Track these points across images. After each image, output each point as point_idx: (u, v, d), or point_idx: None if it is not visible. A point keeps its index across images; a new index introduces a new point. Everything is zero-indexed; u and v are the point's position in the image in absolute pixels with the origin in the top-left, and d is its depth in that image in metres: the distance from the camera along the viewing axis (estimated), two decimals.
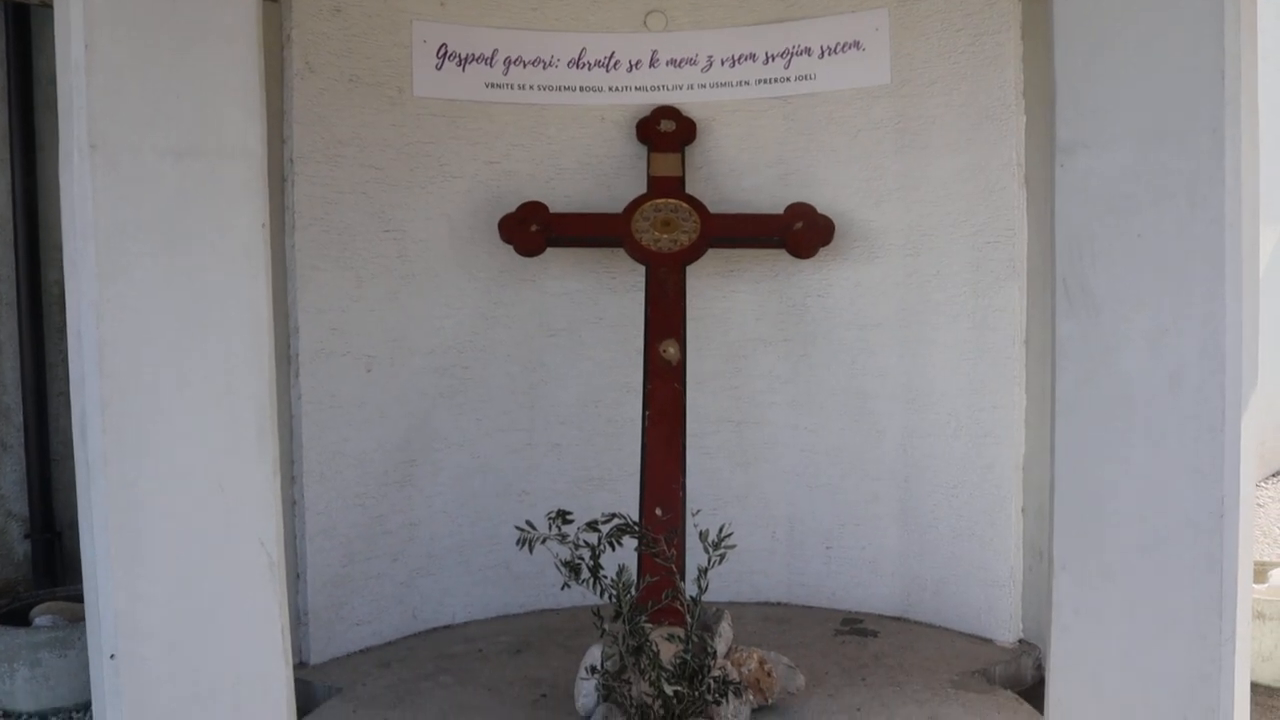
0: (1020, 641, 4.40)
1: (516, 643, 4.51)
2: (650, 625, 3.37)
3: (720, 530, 3.34)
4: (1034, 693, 3.99)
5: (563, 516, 3.35)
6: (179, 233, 2.44)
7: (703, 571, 3.34)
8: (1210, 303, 2.47)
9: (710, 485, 4.91)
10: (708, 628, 3.68)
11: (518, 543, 3.33)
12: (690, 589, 3.40)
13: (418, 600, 4.67)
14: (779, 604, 4.98)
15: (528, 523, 3.36)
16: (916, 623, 4.68)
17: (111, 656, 2.39)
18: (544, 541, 3.33)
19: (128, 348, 2.38)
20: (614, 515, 3.38)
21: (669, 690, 3.19)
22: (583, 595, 3.52)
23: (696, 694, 3.27)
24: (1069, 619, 2.76)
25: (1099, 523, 2.66)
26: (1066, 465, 2.72)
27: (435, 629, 4.70)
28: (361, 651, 4.45)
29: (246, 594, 2.53)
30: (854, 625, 4.66)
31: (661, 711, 3.24)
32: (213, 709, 2.50)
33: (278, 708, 2.60)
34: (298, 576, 4.28)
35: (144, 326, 2.40)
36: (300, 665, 4.21)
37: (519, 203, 4.62)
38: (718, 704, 3.39)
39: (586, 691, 3.66)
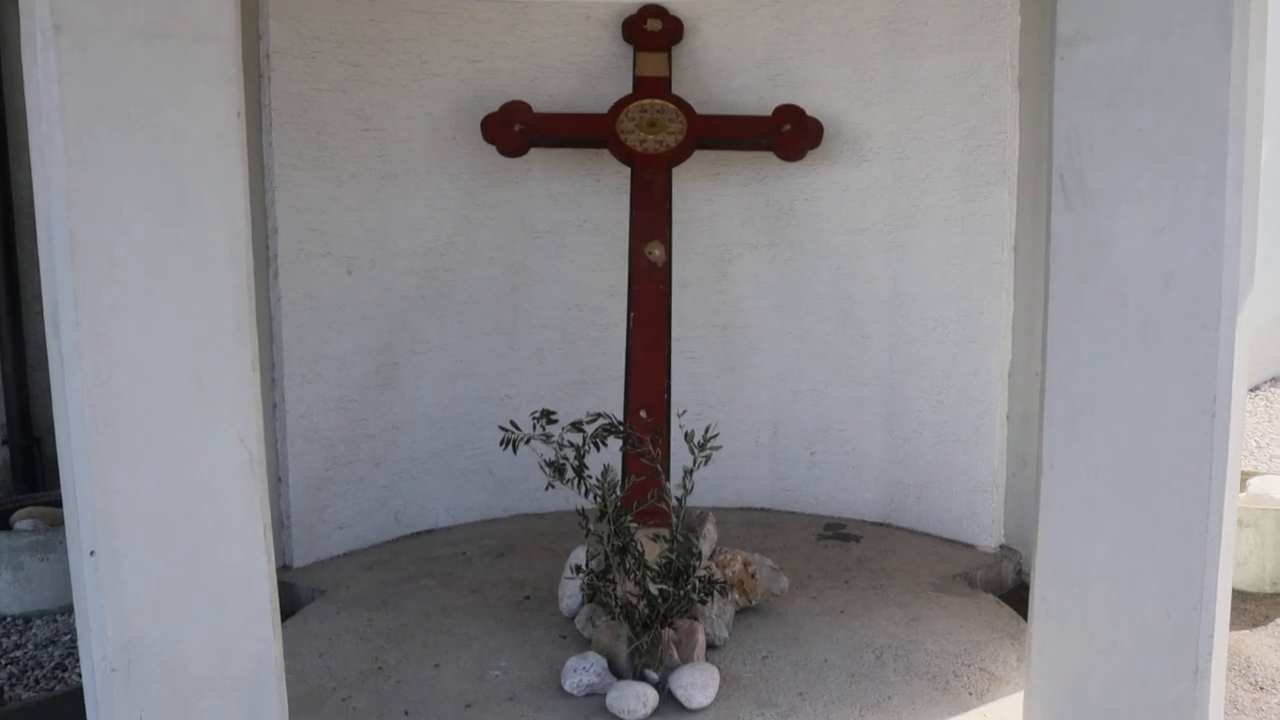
0: (1001, 547, 4.42)
1: (500, 546, 4.51)
2: (635, 525, 3.36)
3: (706, 431, 3.32)
4: (1014, 596, 4.03)
5: (547, 416, 3.32)
6: (151, 118, 2.34)
7: (688, 473, 3.32)
8: (1210, 200, 2.42)
9: (695, 390, 4.88)
10: (693, 529, 3.67)
11: (502, 443, 3.31)
12: (676, 491, 3.39)
13: (400, 504, 4.65)
14: (763, 509, 4.99)
15: (511, 423, 3.33)
16: (899, 528, 4.70)
17: (91, 553, 2.35)
18: (528, 442, 3.30)
19: (100, 237, 2.31)
20: (599, 415, 3.36)
21: (654, 589, 3.19)
22: (566, 499, 3.51)
23: (681, 593, 3.27)
24: (1055, 519, 2.76)
25: (1090, 421, 2.64)
26: (1058, 363, 2.70)
27: (418, 533, 4.70)
28: (344, 555, 4.45)
29: (227, 490, 2.49)
30: (837, 530, 4.68)
31: (646, 611, 3.24)
32: (196, 604, 2.48)
33: (261, 604, 2.58)
34: (279, 480, 4.25)
35: (116, 215, 2.32)
36: (283, 568, 4.21)
37: (502, 102, 4.50)
38: (703, 603, 3.40)
39: (571, 592, 3.67)
